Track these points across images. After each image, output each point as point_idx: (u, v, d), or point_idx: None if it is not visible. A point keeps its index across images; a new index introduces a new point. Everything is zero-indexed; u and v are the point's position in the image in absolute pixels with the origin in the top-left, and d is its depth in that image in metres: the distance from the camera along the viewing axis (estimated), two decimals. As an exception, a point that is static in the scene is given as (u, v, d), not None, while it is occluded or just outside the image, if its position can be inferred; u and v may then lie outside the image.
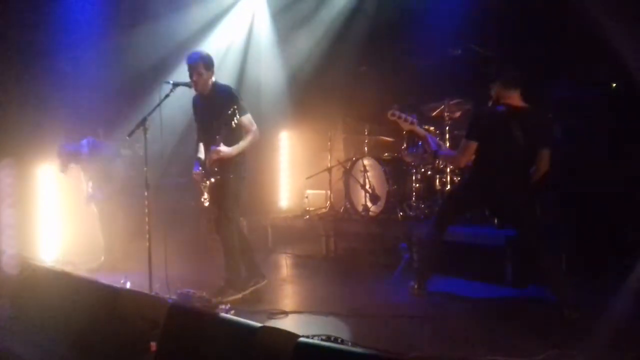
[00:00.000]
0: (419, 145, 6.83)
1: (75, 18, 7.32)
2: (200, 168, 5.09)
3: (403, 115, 5.12)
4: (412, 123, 5.09)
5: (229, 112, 4.80)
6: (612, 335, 3.90)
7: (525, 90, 4.71)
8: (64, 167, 6.57)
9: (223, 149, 4.90)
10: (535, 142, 4.63)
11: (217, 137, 4.88)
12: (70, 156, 6.57)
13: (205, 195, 5.05)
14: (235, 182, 5.12)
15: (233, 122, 4.80)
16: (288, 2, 8.42)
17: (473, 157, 4.77)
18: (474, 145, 4.69)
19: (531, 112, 4.65)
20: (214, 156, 4.94)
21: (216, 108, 4.99)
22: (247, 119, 5.08)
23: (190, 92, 5.25)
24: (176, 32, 7.88)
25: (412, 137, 6.89)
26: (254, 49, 8.68)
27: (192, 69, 5.06)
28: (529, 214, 4.69)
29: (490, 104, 4.81)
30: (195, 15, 8.16)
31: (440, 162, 6.78)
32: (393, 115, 5.15)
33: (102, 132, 6.88)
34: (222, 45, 8.29)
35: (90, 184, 6.56)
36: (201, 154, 5.19)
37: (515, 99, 4.67)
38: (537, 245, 4.59)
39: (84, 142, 6.67)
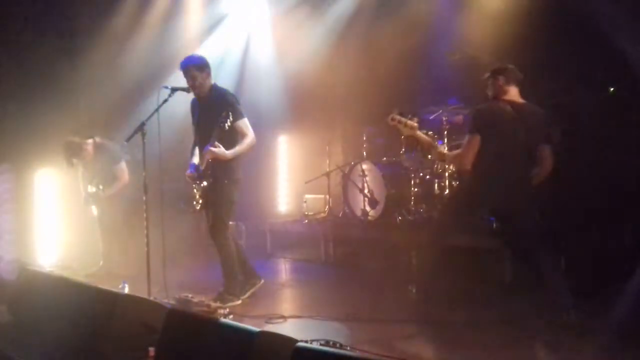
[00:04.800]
0: (418, 149, 6.83)
1: (74, 22, 7.33)
2: (194, 170, 5.10)
3: (403, 120, 4.94)
4: (412, 128, 4.96)
5: (222, 114, 4.81)
6: (612, 339, 3.91)
7: (523, 90, 4.70)
8: (69, 162, 6.55)
9: (217, 149, 4.90)
10: (535, 139, 4.62)
11: (211, 138, 4.89)
12: (74, 151, 6.55)
13: (197, 199, 5.05)
14: (229, 187, 5.11)
15: (226, 125, 4.80)
16: (287, 6, 8.43)
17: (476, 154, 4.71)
18: (477, 138, 4.61)
19: (531, 108, 4.64)
20: (208, 156, 4.93)
21: (211, 111, 5.00)
22: (243, 123, 5.08)
23: (190, 97, 5.27)
24: (174, 38, 7.89)
25: (411, 141, 6.88)
26: (251, 53, 8.69)
27: (185, 74, 5.09)
28: (529, 216, 4.68)
29: (489, 101, 4.79)
30: (193, 21, 8.17)
31: (439, 167, 6.77)
32: (393, 120, 4.97)
33: (101, 135, 6.87)
34: (219, 50, 8.30)
35: (95, 181, 6.56)
36: (196, 157, 5.19)
37: (514, 95, 4.66)
38: (536, 247, 4.59)
39: (89, 141, 6.66)
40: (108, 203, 6.60)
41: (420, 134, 4.98)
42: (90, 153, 6.62)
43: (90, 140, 6.64)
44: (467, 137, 4.72)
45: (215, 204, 5.09)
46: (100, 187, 6.54)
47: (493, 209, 5.09)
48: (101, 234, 6.71)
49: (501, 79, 4.66)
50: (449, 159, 5.48)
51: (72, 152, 6.52)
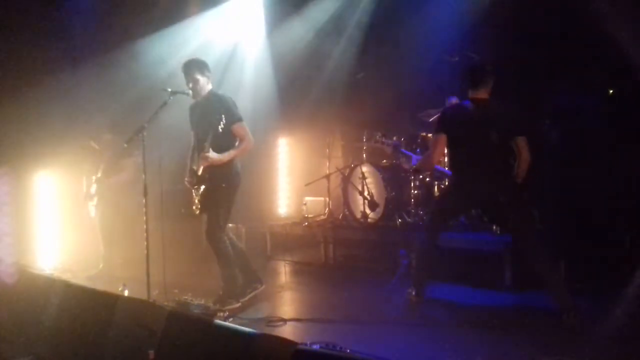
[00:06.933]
0: (417, 152, 6.85)
1: (75, 26, 7.33)
2: (193, 175, 5.10)
3: (386, 142, 5.80)
4: (394, 147, 5.87)
5: (216, 117, 4.81)
6: (611, 341, 3.90)
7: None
8: (86, 144, 6.71)
9: (211, 155, 4.90)
10: (507, 132, 4.70)
11: (205, 143, 4.89)
12: (90, 156, 6.73)
13: (197, 203, 5.05)
14: (226, 191, 5.11)
15: (219, 128, 4.81)
16: (284, 9, 8.43)
17: (445, 152, 4.92)
18: (442, 137, 4.78)
19: (496, 103, 4.76)
20: (203, 163, 4.94)
21: (208, 115, 5.01)
22: (240, 126, 5.08)
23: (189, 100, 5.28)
24: (174, 41, 7.89)
25: (410, 144, 6.92)
26: (250, 55, 8.68)
27: (186, 76, 5.10)
28: (518, 214, 4.68)
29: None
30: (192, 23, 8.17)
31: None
32: (376, 142, 5.75)
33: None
34: (217, 53, 8.29)
35: (97, 175, 6.63)
36: (195, 161, 5.20)
37: (481, 94, 4.78)
38: (533, 248, 4.59)
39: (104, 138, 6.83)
40: (108, 204, 6.61)
41: (398, 153, 5.84)
42: (102, 152, 6.76)
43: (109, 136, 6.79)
44: (432, 138, 4.91)
45: (212, 208, 5.09)
46: (99, 174, 6.60)
47: (480, 205, 5.16)
48: (101, 236, 6.71)
49: (471, 84, 4.85)
50: (419, 165, 5.88)
51: (88, 157, 6.70)
